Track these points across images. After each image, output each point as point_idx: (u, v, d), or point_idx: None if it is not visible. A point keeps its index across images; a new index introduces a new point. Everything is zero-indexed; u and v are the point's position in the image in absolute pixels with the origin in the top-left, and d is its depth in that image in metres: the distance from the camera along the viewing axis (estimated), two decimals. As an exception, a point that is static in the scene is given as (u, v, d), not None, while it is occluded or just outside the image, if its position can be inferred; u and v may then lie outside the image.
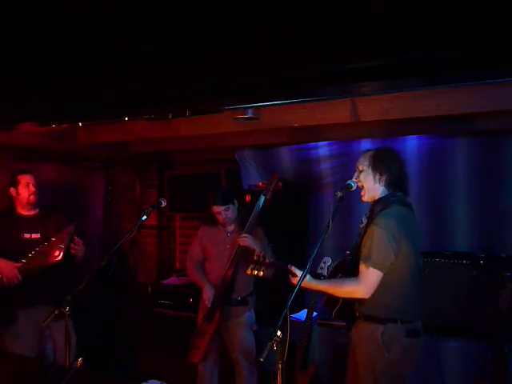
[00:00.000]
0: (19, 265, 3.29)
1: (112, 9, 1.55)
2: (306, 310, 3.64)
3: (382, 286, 2.52)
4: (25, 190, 3.51)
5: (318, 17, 1.42)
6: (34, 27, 1.69)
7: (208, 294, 3.52)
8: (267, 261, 2.76)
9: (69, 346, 2.59)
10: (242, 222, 3.54)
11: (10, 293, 3.28)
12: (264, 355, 1.95)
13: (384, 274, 2.51)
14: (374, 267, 2.49)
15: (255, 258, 2.78)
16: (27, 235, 3.50)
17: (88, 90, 2.09)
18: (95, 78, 1.99)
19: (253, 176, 4.55)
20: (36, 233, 3.51)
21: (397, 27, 1.36)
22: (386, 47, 1.42)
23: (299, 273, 2.55)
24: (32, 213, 3.58)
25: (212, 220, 3.63)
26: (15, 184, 3.52)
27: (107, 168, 5.34)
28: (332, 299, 2.84)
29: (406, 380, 2.64)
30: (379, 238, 2.50)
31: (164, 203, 3.19)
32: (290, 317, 2.13)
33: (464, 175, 3.61)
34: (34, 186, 3.54)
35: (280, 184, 3.57)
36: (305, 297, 3.73)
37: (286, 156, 4.35)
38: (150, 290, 4.73)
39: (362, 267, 2.53)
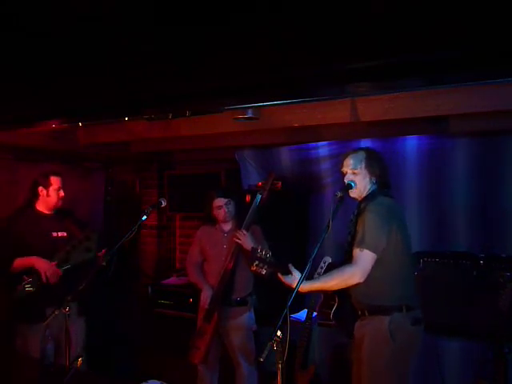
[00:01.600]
0: (55, 263, 3.26)
1: (112, 9, 1.56)
2: (305, 310, 3.64)
3: (384, 273, 2.57)
4: (55, 193, 3.47)
5: (318, 17, 1.42)
6: (34, 27, 1.69)
7: (206, 295, 3.53)
8: (268, 259, 2.74)
9: (69, 346, 2.59)
10: (239, 222, 3.53)
11: (42, 291, 3.26)
12: (264, 355, 1.96)
13: (384, 261, 2.57)
14: (368, 249, 2.54)
15: (258, 255, 2.76)
16: (55, 234, 3.49)
17: (88, 90, 2.09)
18: (95, 78, 1.99)
19: (253, 176, 4.55)
20: (62, 231, 3.50)
21: (397, 27, 1.36)
22: (385, 47, 1.42)
23: (295, 272, 2.58)
24: (51, 212, 3.56)
25: (211, 220, 3.63)
26: (46, 184, 3.47)
27: (107, 168, 5.34)
28: (327, 302, 2.85)
29: (411, 367, 2.70)
30: (370, 221, 2.58)
31: (164, 203, 3.18)
32: (290, 317, 2.13)
33: (464, 175, 3.61)
34: (63, 191, 3.52)
35: (279, 183, 3.56)
36: (305, 297, 3.72)
37: (285, 156, 4.35)
38: (149, 290, 4.73)
39: (356, 251, 2.58)
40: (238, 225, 3.52)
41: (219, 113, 2.99)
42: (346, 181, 2.73)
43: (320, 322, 3.78)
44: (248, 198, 4.14)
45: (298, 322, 3.64)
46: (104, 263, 2.86)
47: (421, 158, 3.76)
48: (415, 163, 3.75)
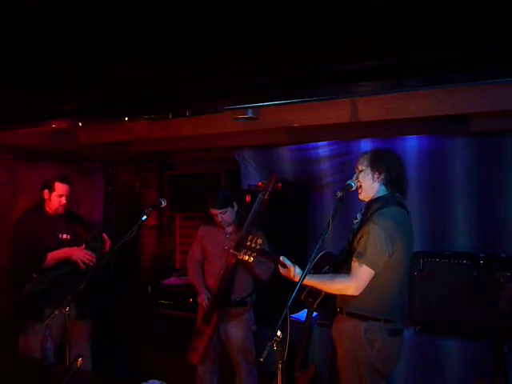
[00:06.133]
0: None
1: (113, 9, 1.56)
2: (305, 310, 3.63)
3: (369, 285, 2.52)
4: (57, 199, 3.57)
5: (318, 17, 1.42)
6: (33, 24, 1.69)
7: (202, 298, 3.54)
8: (258, 247, 2.72)
9: (69, 346, 2.59)
10: (240, 223, 3.53)
11: (42, 290, 3.37)
12: (264, 355, 1.95)
13: (374, 274, 2.51)
14: (367, 265, 2.49)
15: (248, 243, 2.75)
16: (61, 235, 3.59)
17: (88, 90, 2.09)
18: (95, 78, 1.99)
19: (253, 176, 4.55)
20: (66, 234, 3.61)
21: (397, 27, 1.37)
22: (385, 47, 1.42)
23: (289, 264, 2.57)
24: (56, 214, 3.63)
25: (211, 220, 3.63)
26: (51, 189, 3.56)
27: (107, 168, 5.34)
28: (313, 291, 2.82)
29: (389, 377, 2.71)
30: (376, 236, 2.50)
31: (164, 203, 3.18)
32: (290, 317, 2.13)
33: (464, 175, 3.61)
34: (67, 199, 3.59)
35: (279, 184, 3.56)
36: (305, 297, 3.72)
37: (285, 156, 4.34)
38: (149, 290, 4.73)
39: (355, 264, 2.53)
40: (240, 226, 3.52)
41: (219, 113, 2.99)
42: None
43: (320, 322, 3.78)
44: (248, 198, 4.14)
45: (298, 321, 3.63)
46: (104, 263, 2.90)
47: (421, 158, 3.76)
48: (415, 163, 3.74)
